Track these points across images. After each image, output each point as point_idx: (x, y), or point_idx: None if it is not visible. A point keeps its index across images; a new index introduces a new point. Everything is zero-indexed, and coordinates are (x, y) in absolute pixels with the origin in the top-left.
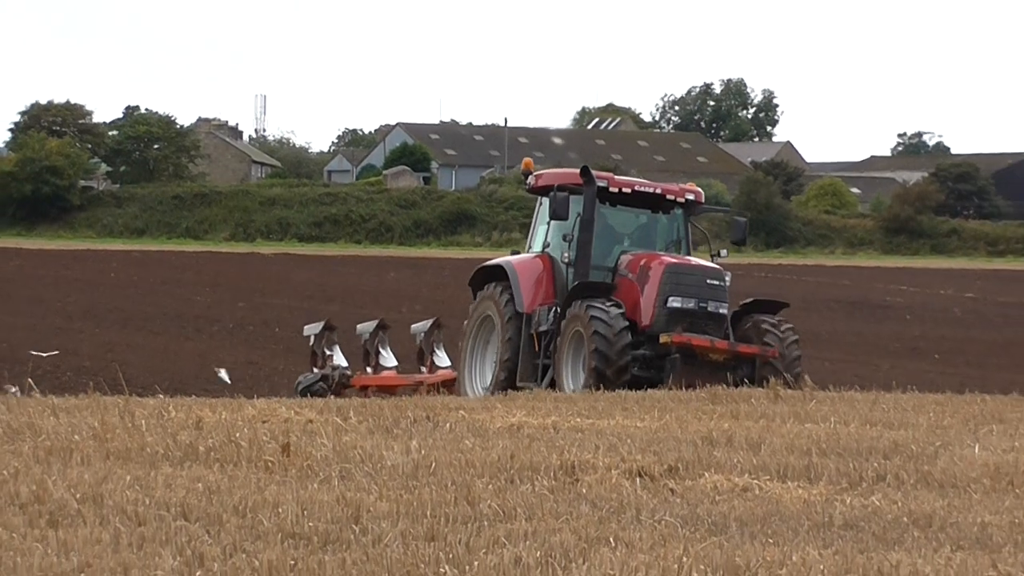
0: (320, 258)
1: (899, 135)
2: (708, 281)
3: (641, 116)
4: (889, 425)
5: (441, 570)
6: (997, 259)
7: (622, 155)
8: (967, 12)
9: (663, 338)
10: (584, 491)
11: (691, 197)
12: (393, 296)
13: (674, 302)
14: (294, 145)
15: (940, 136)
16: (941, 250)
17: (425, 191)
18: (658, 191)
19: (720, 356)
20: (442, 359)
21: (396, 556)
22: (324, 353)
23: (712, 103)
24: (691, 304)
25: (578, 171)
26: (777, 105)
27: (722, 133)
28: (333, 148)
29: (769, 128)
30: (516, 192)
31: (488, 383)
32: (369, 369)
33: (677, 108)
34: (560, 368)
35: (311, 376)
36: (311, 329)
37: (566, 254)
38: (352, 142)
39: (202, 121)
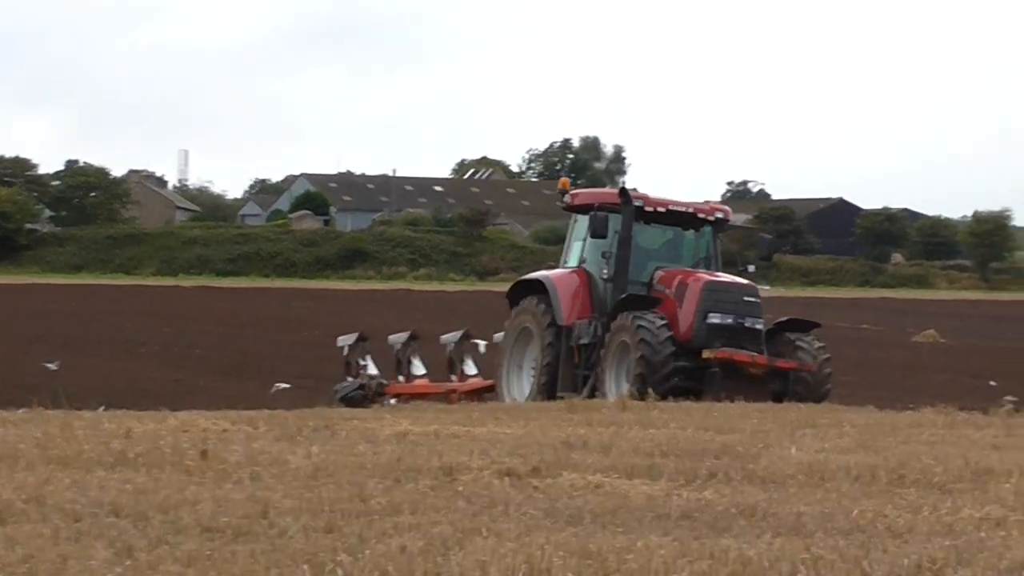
0: (235, 290)
1: (728, 183)
2: (745, 298)
3: (510, 167)
4: (720, 430)
5: (338, 558)
6: (810, 288)
7: (493, 200)
8: (788, 80)
9: (706, 354)
10: (460, 489)
11: (720, 215)
12: (297, 322)
13: (713, 318)
14: (212, 193)
15: (763, 184)
16: (763, 280)
17: (325, 232)
18: (690, 210)
19: (759, 370)
20: (470, 368)
21: (299, 546)
22: (358, 363)
23: (571, 156)
24: (729, 320)
25: (615, 191)
26: (625, 158)
27: (579, 182)
28: (246, 195)
29: (619, 177)
30: (403, 232)
31: (526, 391)
32: (401, 378)
33: (541, 160)
34: (603, 377)
35: (348, 385)
36: (345, 340)
37: (604, 270)
38: (262, 190)
39: (132, 172)
